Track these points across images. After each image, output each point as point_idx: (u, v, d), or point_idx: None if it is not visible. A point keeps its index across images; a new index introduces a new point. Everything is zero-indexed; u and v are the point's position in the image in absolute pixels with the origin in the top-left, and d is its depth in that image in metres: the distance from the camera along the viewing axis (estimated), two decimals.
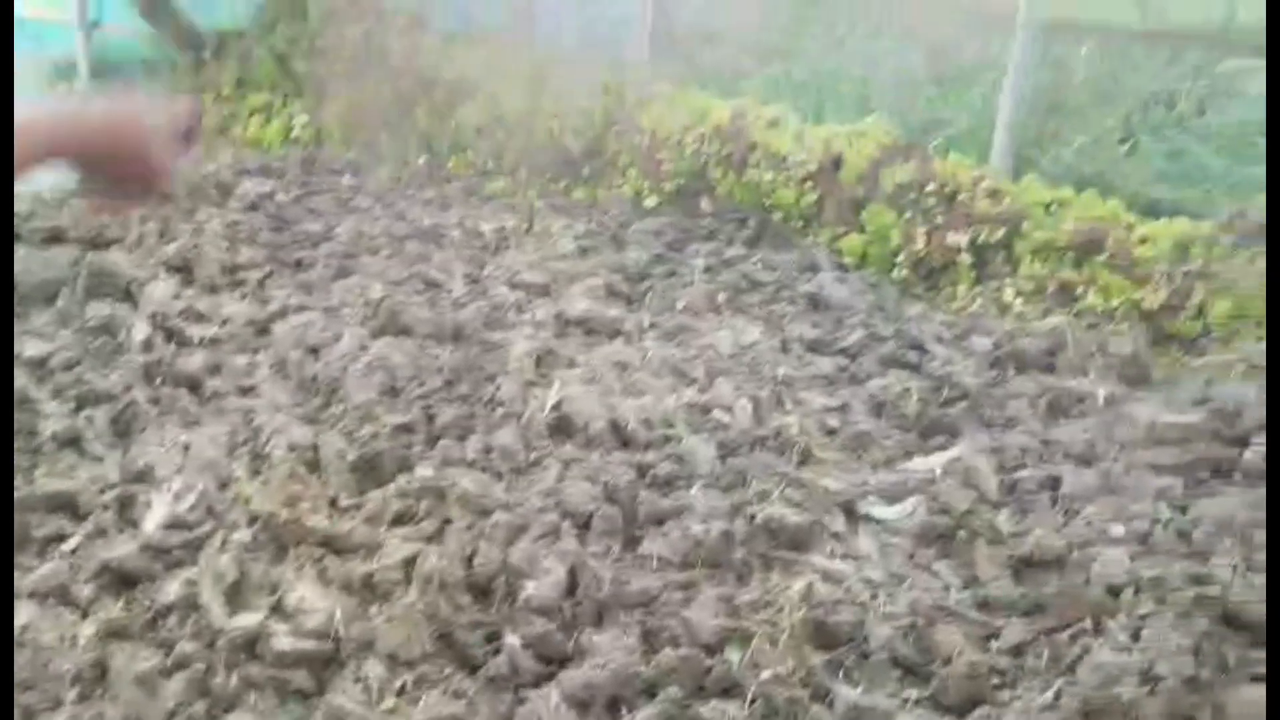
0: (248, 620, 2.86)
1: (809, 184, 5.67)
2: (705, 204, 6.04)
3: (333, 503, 3.44)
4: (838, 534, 3.43)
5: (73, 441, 3.70)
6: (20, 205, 5.60)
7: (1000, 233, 5.04)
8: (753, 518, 3.39)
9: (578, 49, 6.61)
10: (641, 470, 3.63)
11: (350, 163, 6.86)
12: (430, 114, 7.05)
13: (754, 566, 3.27)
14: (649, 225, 5.85)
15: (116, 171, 1.24)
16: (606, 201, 6.25)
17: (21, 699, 2.63)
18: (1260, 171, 5.11)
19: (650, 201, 6.14)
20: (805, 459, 3.75)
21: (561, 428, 3.88)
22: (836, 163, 5.64)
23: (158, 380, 4.11)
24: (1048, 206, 5.10)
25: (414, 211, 6.04)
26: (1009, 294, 4.99)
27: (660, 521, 3.41)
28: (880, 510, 3.59)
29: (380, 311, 4.59)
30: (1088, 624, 2.97)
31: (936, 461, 3.83)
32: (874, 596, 3.17)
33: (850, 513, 3.55)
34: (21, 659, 2.74)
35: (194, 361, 4.22)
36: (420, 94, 7.09)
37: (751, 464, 3.66)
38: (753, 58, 6.75)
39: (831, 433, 3.95)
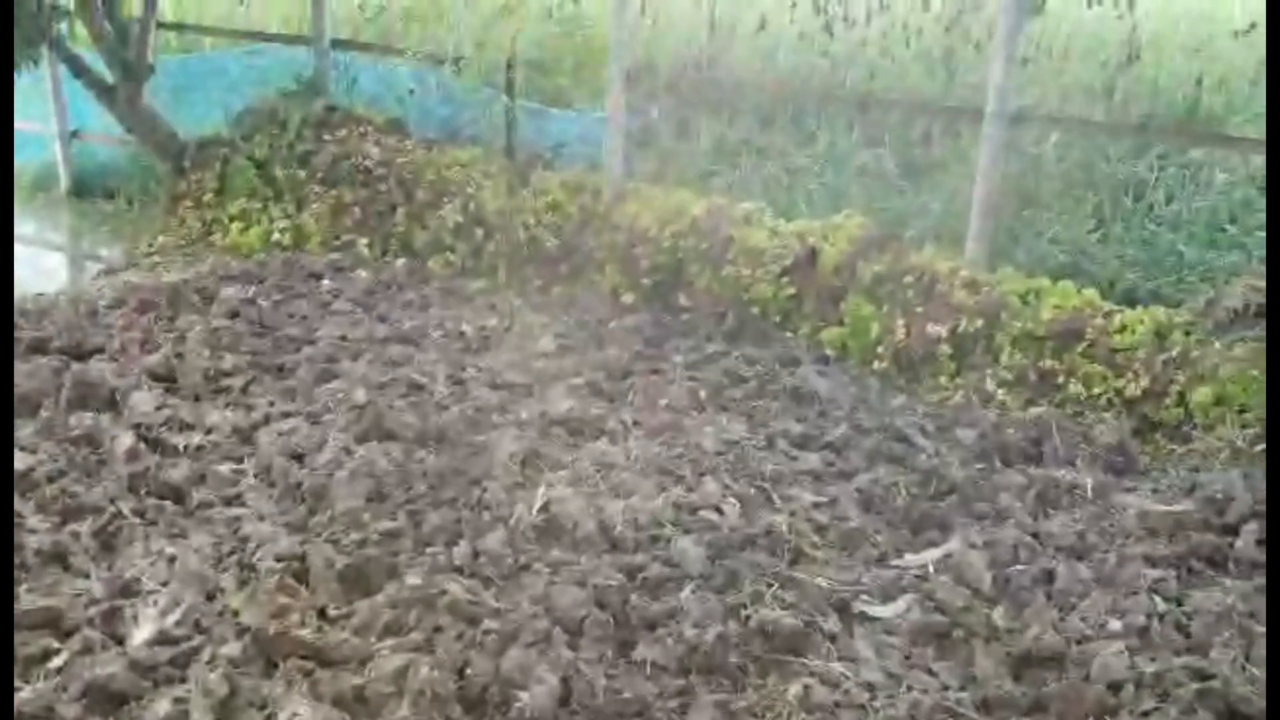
0: None
1: (786, 278, 5.75)
2: (683, 299, 6.10)
3: (322, 613, 3.39)
4: (833, 635, 3.41)
5: (58, 557, 3.63)
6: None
7: (979, 323, 5.12)
8: (747, 620, 3.37)
9: (553, 150, 6.73)
10: (631, 573, 3.61)
11: (330, 265, 6.90)
12: (409, 216, 7.13)
13: (750, 670, 3.24)
14: (628, 322, 5.90)
15: None
16: (585, 298, 6.30)
17: None
18: (1231, 258, 5.25)
19: (628, 298, 6.20)
20: (797, 558, 3.75)
21: (549, 531, 3.86)
22: (813, 256, 5.74)
23: (143, 491, 4.07)
24: (1024, 296, 5.19)
25: (395, 313, 6.07)
26: (990, 384, 5.05)
27: (652, 626, 3.38)
28: (875, 609, 3.58)
29: (364, 417, 4.58)
30: None
31: (929, 558, 3.84)
32: (872, 699, 3.14)
33: (844, 612, 3.53)
34: None
35: (179, 471, 4.18)
36: (399, 197, 7.18)
37: (743, 564, 3.64)
38: (725, 155, 6.89)
39: (822, 530, 3.95)
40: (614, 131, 6.57)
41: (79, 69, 7.59)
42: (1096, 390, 4.86)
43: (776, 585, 3.54)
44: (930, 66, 6.79)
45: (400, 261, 6.99)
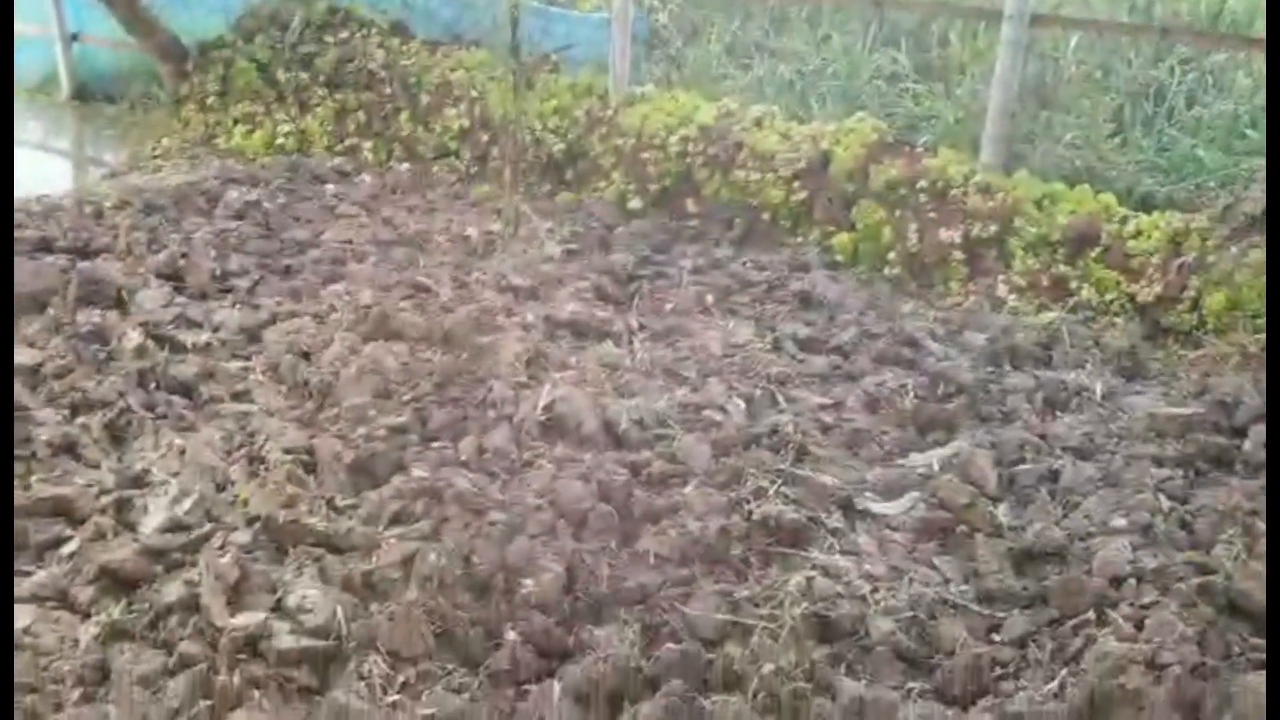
0: (249, 619, 2.84)
1: (797, 183, 5.67)
2: (691, 205, 6.04)
3: (330, 504, 3.42)
4: (836, 530, 3.43)
5: (68, 448, 3.66)
6: (17, 218, 5.55)
7: (993, 228, 5.06)
8: (750, 514, 3.39)
9: (559, 52, 6.58)
10: (635, 470, 3.62)
11: (334, 169, 6.83)
12: (413, 120, 7.03)
13: (752, 563, 3.26)
14: (635, 228, 5.85)
15: None
16: (591, 205, 6.23)
17: (24, 701, 2.60)
18: (1251, 164, 5.14)
19: (635, 204, 6.13)
20: (801, 456, 3.74)
21: (554, 428, 3.87)
22: (824, 161, 5.65)
23: (152, 386, 4.08)
24: (1039, 201, 5.11)
25: (399, 217, 6.02)
26: (1003, 289, 5.01)
27: (655, 519, 3.40)
28: (879, 506, 3.59)
29: (370, 317, 4.57)
30: (1091, 615, 2.97)
31: (934, 457, 3.84)
32: (874, 591, 3.16)
33: (848, 509, 3.55)
34: (22, 661, 2.71)
35: (187, 368, 4.19)
36: (403, 101, 7.08)
37: (747, 462, 3.65)
38: (735, 58, 6.75)
39: (827, 430, 3.95)
40: (621, 34, 6.42)
41: None
42: (1109, 296, 4.81)
43: (780, 482, 3.55)
44: None
45: (404, 166, 6.92)
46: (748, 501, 3.44)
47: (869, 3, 6.48)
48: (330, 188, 6.47)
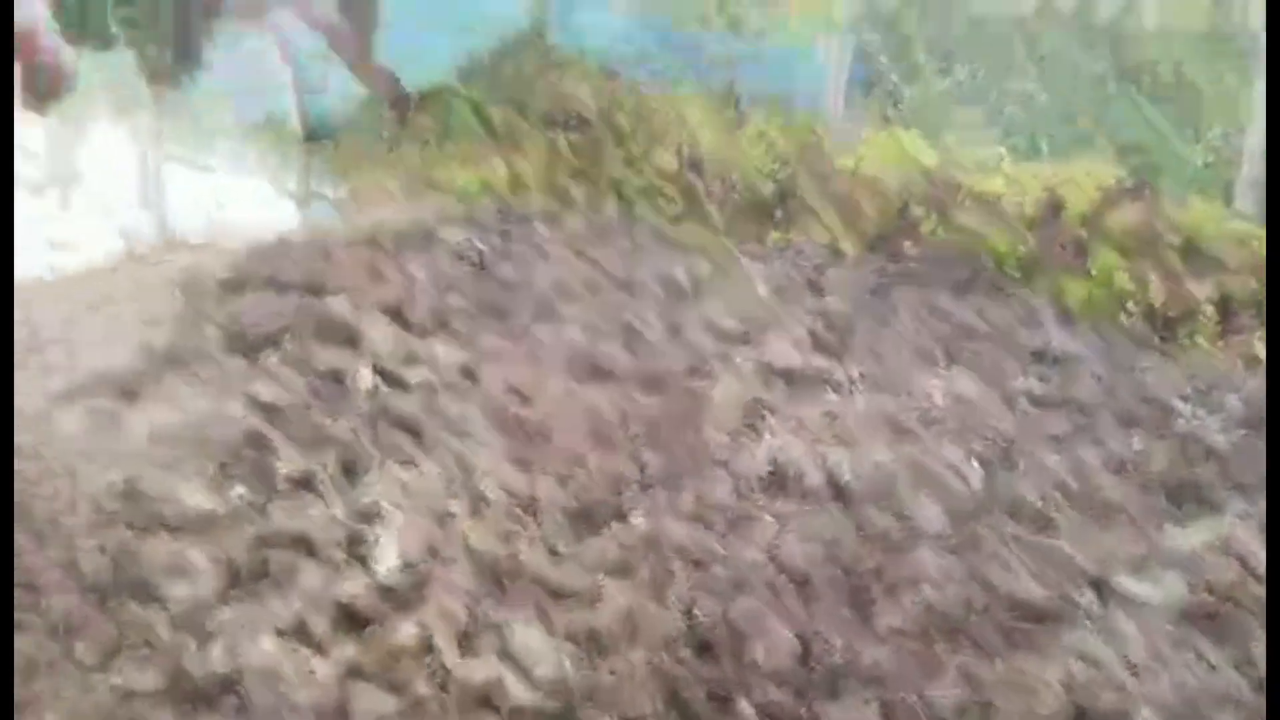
0: (479, 666, 2.85)
1: (1026, 228, 5.38)
2: (908, 248, 5.81)
3: (550, 548, 3.40)
4: (1088, 609, 3.17)
5: (306, 483, 3.79)
6: (248, 253, 5.89)
7: (1252, 283, 4.65)
8: (992, 587, 3.17)
9: (771, 91, 6.49)
10: (863, 528, 3.46)
11: (543, 210, 6.95)
12: (622, 161, 7.09)
13: (997, 641, 3.05)
14: (849, 271, 5.66)
15: None
16: (801, 246, 6.10)
17: None
18: None
19: (848, 246, 5.95)
20: (1044, 525, 3.49)
21: (775, 481, 3.75)
22: (1056, 205, 5.35)
23: (380, 423, 4.19)
24: None
25: (608, 258, 6.04)
26: (1259, 347, 4.58)
27: (889, 585, 3.23)
28: (1134, 584, 3.30)
29: (583, 359, 4.57)
30: None
31: (1193, 531, 3.51)
32: (1136, 679, 2.89)
33: (1100, 586, 3.28)
34: (264, 693, 2.78)
35: (412, 405, 4.29)
36: (612, 142, 7.15)
37: (984, 528, 3.43)
38: (956, 97, 6.50)
39: (1071, 496, 3.67)
40: (836, 72, 6.30)
41: (312, 18, 7.89)
42: None
43: (1024, 553, 3.31)
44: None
45: (612, 206, 6.98)
46: (990, 572, 3.22)
47: (1103, 38, 6.12)
48: (540, 228, 6.57)
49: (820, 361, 4.56)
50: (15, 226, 7.27)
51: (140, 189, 8.81)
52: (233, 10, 7.05)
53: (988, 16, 6.72)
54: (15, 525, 3.39)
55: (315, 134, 9.43)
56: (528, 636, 2.94)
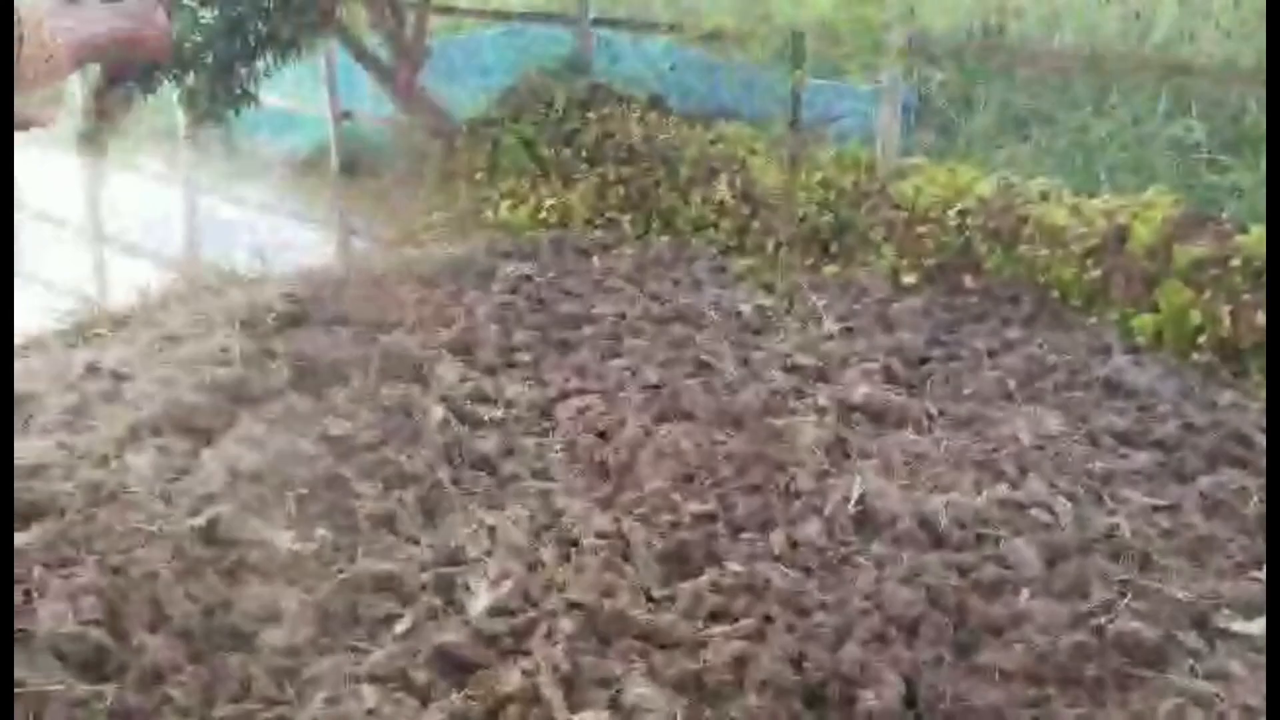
0: (592, 718, 2.79)
1: (1090, 260, 5.35)
2: (970, 281, 5.79)
3: (647, 594, 3.36)
4: (1196, 651, 3.11)
5: (387, 522, 3.77)
6: (303, 289, 5.90)
7: None
8: (1099, 630, 3.12)
9: (830, 124, 6.51)
10: (962, 572, 3.41)
11: (596, 243, 6.95)
12: (672, 193, 7.10)
13: (1108, 685, 2.99)
14: (912, 304, 5.65)
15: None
16: (860, 279, 6.08)
17: None
18: None
19: (909, 279, 5.94)
20: (1144, 565, 3.44)
21: (867, 523, 3.71)
22: (1120, 236, 5.32)
23: (457, 461, 4.17)
24: None
25: (667, 291, 6.03)
26: None
27: (995, 630, 3.18)
28: (1240, 625, 3.24)
29: (659, 396, 4.55)
30: None
31: None
32: None
33: (1204, 626, 3.22)
34: None
35: (487, 444, 4.27)
36: (662, 174, 7.16)
37: (1085, 569, 3.38)
38: (1012, 127, 6.49)
39: (1167, 536, 3.62)
40: (890, 103, 6.30)
41: (360, 52, 7.95)
42: None
43: (1129, 594, 3.26)
44: (1251, 28, 6.17)
45: (664, 239, 6.98)
46: (1095, 615, 3.17)
47: (1159, 71, 6.12)
48: (595, 261, 6.58)
49: (897, 398, 4.53)
50: (61, 262, 7.30)
51: (186, 224, 8.88)
52: (277, 44, 7.11)
53: (1039, 48, 6.73)
54: (100, 572, 3.37)
55: (352, 166, 9.49)
56: (638, 687, 2.89)
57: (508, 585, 3.39)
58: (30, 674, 2.94)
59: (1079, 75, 6.37)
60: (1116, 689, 2.97)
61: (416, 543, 3.70)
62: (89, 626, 3.12)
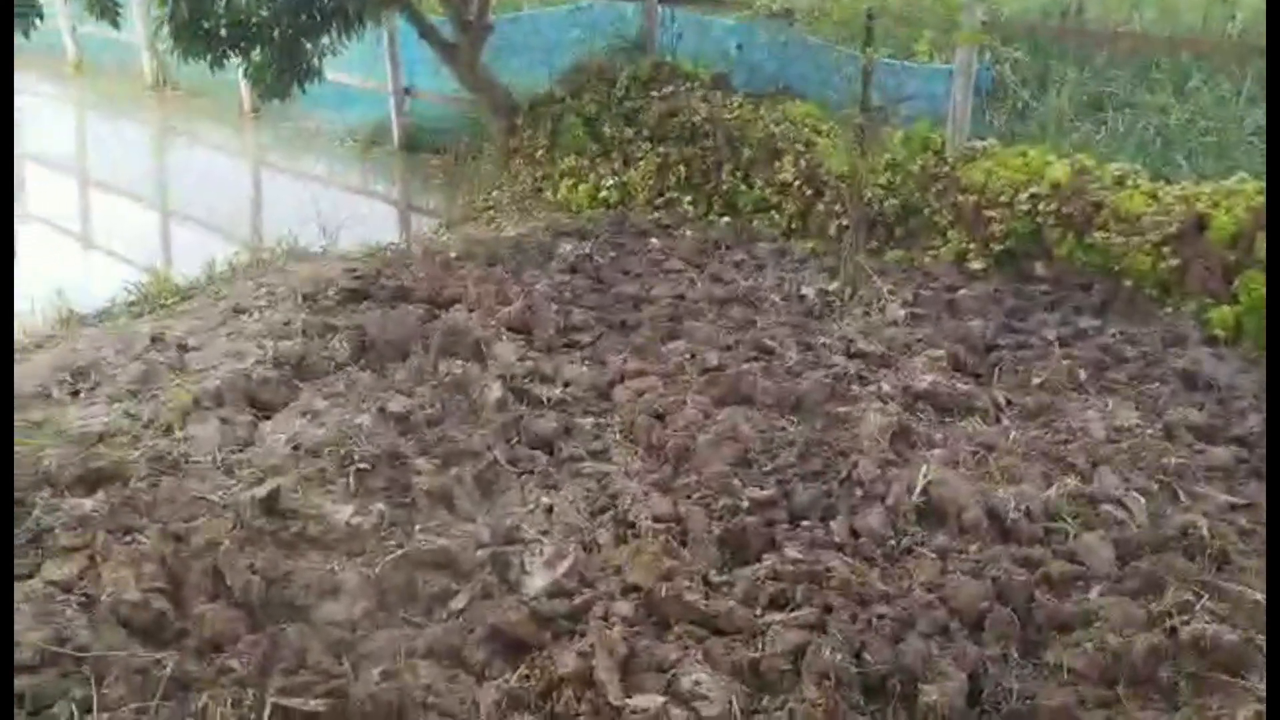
0: (647, 702, 2.76)
1: (1167, 248, 5.17)
2: (1040, 268, 5.64)
3: (705, 579, 3.31)
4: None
5: (444, 498, 3.76)
6: (365, 265, 5.92)
7: None
8: (1173, 630, 3.01)
9: (900, 105, 6.35)
10: (1031, 567, 3.32)
11: (655, 223, 6.89)
12: (734, 174, 7.00)
13: (1183, 688, 2.89)
14: (980, 290, 5.51)
15: None
16: (926, 264, 5.95)
17: None
18: None
19: (976, 264, 5.80)
20: (1222, 564, 3.32)
21: (931, 513, 3.62)
22: (1200, 225, 5.13)
23: (514, 440, 4.15)
24: None
25: (728, 273, 5.95)
26: None
27: (1064, 628, 3.09)
28: None
29: (720, 380, 4.48)
30: None
31: None
32: None
33: None
34: None
35: (545, 423, 4.24)
36: (725, 154, 7.06)
37: (1160, 568, 3.26)
38: (1087, 111, 6.29)
39: (1245, 535, 3.49)
40: (963, 84, 6.13)
41: (423, 28, 7.92)
42: None
43: (1206, 594, 3.14)
44: None
45: (724, 220, 6.89)
46: (1170, 615, 3.06)
47: (1243, 54, 5.90)
48: (655, 241, 6.51)
49: (964, 387, 4.42)
50: (128, 234, 7.38)
51: (250, 198, 8.96)
52: (343, 19, 7.11)
53: (1121, 30, 6.51)
54: (162, 540, 3.40)
55: (413, 143, 9.51)
56: (695, 672, 2.85)
57: (564, 566, 3.36)
58: (94, 639, 2.97)
59: (1159, 57, 6.15)
60: (1192, 693, 2.87)
61: (473, 520, 3.69)
62: (151, 594, 3.15)
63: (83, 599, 3.15)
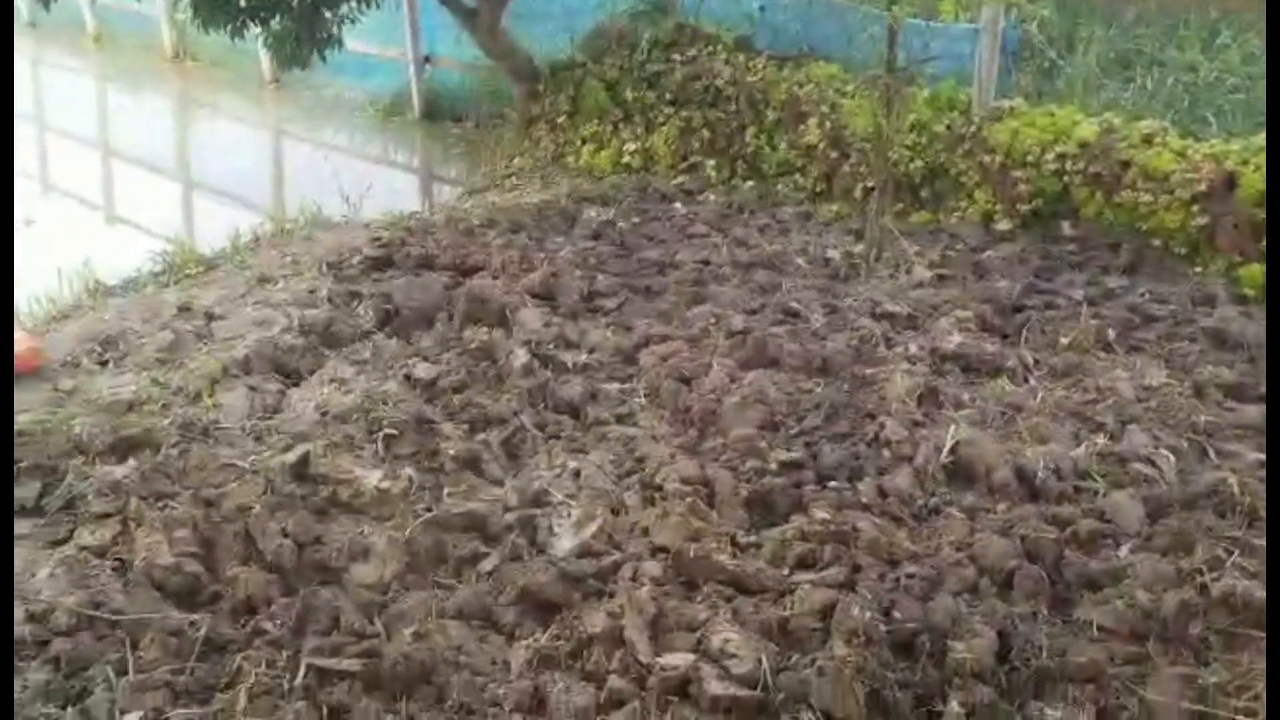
0: (676, 660, 2.77)
1: (1196, 207, 5.11)
2: (1068, 228, 5.58)
3: (732, 540, 3.32)
4: None
5: (471, 463, 3.78)
6: (389, 233, 5.92)
7: None
8: (1204, 587, 3.00)
9: (925, 65, 6.27)
10: (1060, 525, 3.31)
11: (678, 188, 6.85)
12: (758, 137, 6.94)
13: (1214, 645, 2.88)
14: (1007, 251, 5.46)
15: None
16: (952, 225, 5.90)
17: None
18: None
19: (1003, 225, 5.75)
20: (1253, 521, 3.29)
21: (960, 473, 3.61)
22: (1230, 183, 5.06)
23: (540, 405, 4.17)
24: None
25: (753, 238, 5.92)
26: None
27: (1093, 586, 3.08)
28: None
29: (746, 343, 4.47)
30: None
31: None
32: None
33: None
34: (457, 680, 2.76)
35: (571, 388, 4.25)
36: (749, 117, 7.00)
37: (1189, 525, 3.25)
38: (1115, 69, 6.19)
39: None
40: (990, 44, 6.04)
41: None
42: None
43: (1237, 551, 3.12)
44: None
45: (748, 184, 6.85)
46: (1200, 572, 3.04)
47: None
48: (678, 206, 6.49)
49: (991, 347, 4.40)
50: (152, 204, 7.41)
51: (272, 167, 8.98)
52: None
53: None
54: (194, 505, 3.43)
55: (434, 111, 9.48)
56: (724, 632, 2.86)
57: (592, 528, 3.38)
58: (128, 603, 3.01)
59: (1187, 14, 6.04)
60: (1223, 649, 2.86)
61: (500, 484, 3.71)
62: (184, 558, 3.19)
63: (116, 564, 3.19)
